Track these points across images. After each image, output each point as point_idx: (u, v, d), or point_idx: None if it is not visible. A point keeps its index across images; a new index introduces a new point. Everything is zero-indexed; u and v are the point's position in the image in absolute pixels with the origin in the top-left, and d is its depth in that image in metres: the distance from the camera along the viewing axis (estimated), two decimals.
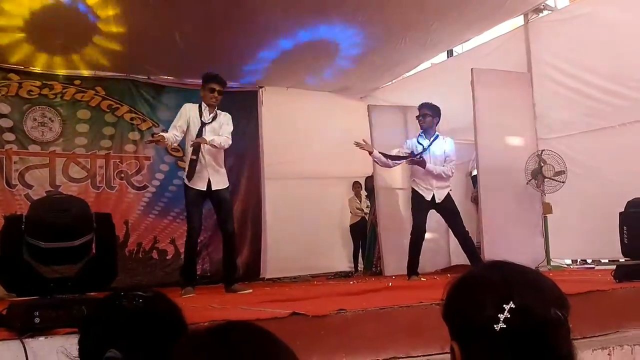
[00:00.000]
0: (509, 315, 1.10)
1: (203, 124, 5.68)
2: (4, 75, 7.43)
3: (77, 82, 7.81)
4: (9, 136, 7.43)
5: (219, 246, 8.32)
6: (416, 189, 6.61)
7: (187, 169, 5.74)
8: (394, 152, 6.73)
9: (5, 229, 2.73)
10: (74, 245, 2.63)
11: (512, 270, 1.22)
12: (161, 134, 5.89)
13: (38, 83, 7.60)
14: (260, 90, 9.07)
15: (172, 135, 5.70)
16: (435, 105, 6.62)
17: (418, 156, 6.48)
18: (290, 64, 8.20)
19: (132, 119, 8.14)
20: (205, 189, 5.72)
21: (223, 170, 5.91)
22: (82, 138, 7.85)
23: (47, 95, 7.64)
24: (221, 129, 5.75)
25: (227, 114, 5.87)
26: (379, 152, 6.63)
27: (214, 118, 5.75)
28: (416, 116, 6.70)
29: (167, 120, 8.28)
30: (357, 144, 6.57)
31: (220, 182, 5.83)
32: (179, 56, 7.42)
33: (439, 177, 6.52)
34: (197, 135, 5.68)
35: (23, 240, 2.62)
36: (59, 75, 7.72)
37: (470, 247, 6.50)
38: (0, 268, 2.69)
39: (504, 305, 1.11)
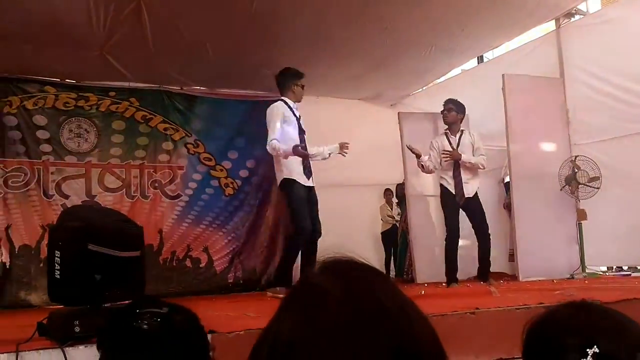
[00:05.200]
0: None
1: (298, 119, 5.74)
2: (40, 88, 7.57)
3: (112, 93, 7.94)
4: (46, 147, 7.57)
5: (251, 254, 8.42)
6: (444, 184, 6.63)
7: (300, 166, 5.72)
8: (425, 158, 6.74)
9: (67, 238, 2.73)
10: (139, 254, 2.69)
11: (596, 312, 1.19)
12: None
13: (74, 95, 7.73)
14: None
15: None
16: (460, 102, 6.65)
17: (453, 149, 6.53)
18: (319, 72, 8.23)
19: (165, 129, 8.24)
20: (310, 184, 5.72)
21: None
22: (117, 148, 7.96)
23: (82, 106, 7.77)
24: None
25: None
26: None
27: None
28: (441, 111, 6.71)
29: (199, 130, 8.40)
30: (409, 147, 6.79)
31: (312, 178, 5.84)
32: (211, 67, 7.50)
33: (472, 169, 6.51)
34: (298, 131, 5.76)
35: (85, 250, 2.62)
36: (94, 87, 7.86)
37: (485, 250, 6.43)
38: (57, 278, 2.70)
39: (587, 350, 1.08)
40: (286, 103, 5.76)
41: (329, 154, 6.16)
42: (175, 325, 1.50)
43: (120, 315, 1.59)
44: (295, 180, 5.67)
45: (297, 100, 5.79)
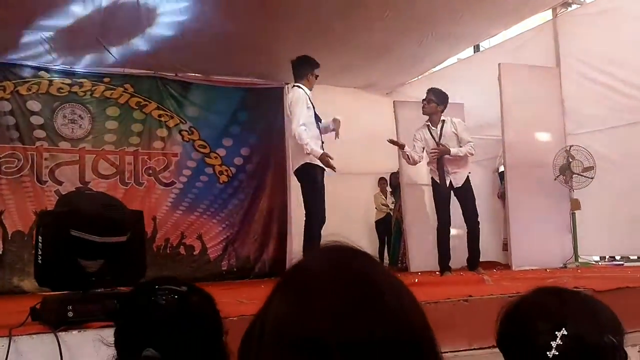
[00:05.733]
0: (561, 342, 1.10)
1: (314, 107, 5.72)
2: (34, 74, 7.53)
3: (107, 79, 7.90)
4: (40, 133, 7.54)
5: (244, 242, 8.43)
6: (433, 177, 6.55)
7: (322, 151, 5.63)
8: (409, 149, 6.59)
9: (49, 223, 2.74)
10: (124, 240, 2.67)
11: (567, 296, 1.22)
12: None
13: (68, 81, 7.70)
14: (287, 86, 9.08)
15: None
16: (442, 92, 6.42)
17: (440, 145, 6.41)
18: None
19: (160, 115, 8.21)
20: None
21: None
22: (111, 135, 7.93)
23: (76, 92, 7.74)
24: None
25: None
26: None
27: None
28: (422, 100, 6.55)
29: (194, 117, 8.38)
30: (390, 141, 6.60)
31: None
32: (206, 54, 7.46)
33: (461, 160, 6.37)
34: (315, 116, 5.69)
35: (67, 235, 2.59)
36: (88, 73, 7.81)
37: (473, 238, 6.32)
38: (39, 262, 2.69)
39: (556, 332, 1.11)
40: (304, 90, 5.71)
41: (332, 128, 6.09)
42: (191, 304, 1.53)
43: (139, 289, 1.63)
44: (317, 165, 5.61)
45: (309, 88, 5.76)
